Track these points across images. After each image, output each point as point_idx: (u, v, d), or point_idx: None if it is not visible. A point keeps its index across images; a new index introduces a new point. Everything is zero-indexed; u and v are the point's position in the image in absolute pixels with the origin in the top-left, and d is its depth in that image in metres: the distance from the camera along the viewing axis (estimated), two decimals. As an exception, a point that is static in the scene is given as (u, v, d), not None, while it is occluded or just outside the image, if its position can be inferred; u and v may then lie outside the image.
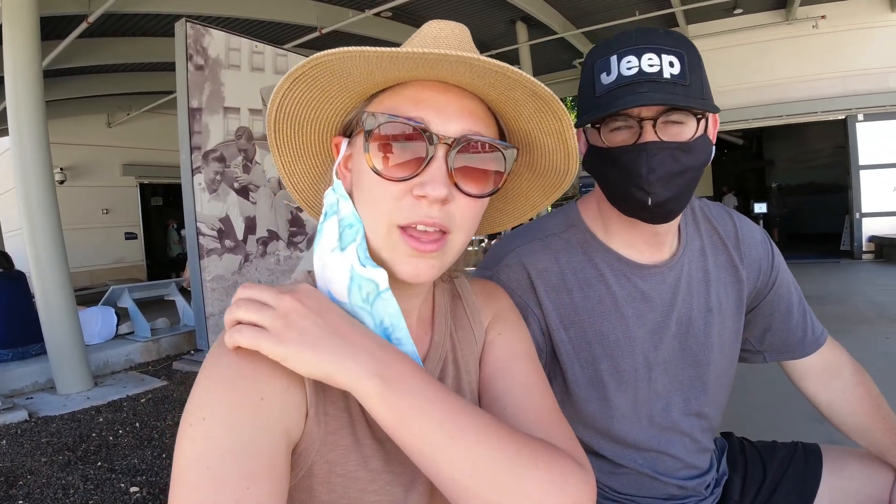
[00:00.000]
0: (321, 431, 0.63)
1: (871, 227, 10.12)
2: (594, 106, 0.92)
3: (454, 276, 0.83)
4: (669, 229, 1.04)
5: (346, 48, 0.58)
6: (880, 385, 1.24)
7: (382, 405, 0.58)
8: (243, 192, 5.24)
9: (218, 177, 4.96)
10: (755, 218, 11.10)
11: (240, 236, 5.18)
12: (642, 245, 1.04)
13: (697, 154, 0.91)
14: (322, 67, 0.63)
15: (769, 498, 1.23)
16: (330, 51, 0.60)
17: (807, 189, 14.96)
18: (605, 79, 0.91)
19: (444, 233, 0.65)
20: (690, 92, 0.88)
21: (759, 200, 11.52)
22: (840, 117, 10.37)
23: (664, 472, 1.12)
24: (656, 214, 0.94)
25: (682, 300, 1.07)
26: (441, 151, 0.63)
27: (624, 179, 0.91)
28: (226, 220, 5.00)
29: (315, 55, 0.61)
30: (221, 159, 5.03)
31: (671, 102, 0.86)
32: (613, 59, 0.90)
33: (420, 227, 0.64)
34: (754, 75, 10.19)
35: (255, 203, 5.38)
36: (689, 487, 1.14)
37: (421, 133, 0.63)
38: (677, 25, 10.11)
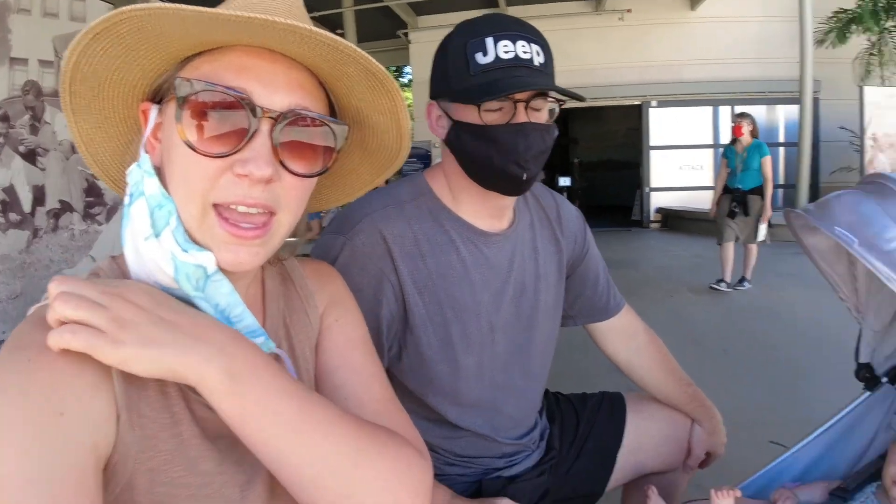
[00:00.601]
0: (137, 437, 0.56)
1: (658, 200, 11.62)
2: (473, 85, 0.95)
3: (283, 259, 0.78)
4: (513, 202, 1.13)
5: (158, 3, 0.52)
6: (664, 336, 1.45)
7: (228, 400, 0.55)
8: (30, 156, 4.51)
9: (0, 139, 4.22)
10: (560, 190, 12.15)
11: (27, 208, 4.47)
12: (487, 215, 1.10)
13: (553, 134, 1.01)
14: (129, 24, 0.54)
15: (584, 443, 1.38)
16: (139, 5, 0.52)
17: (605, 165, 16.66)
18: (482, 59, 0.95)
19: (271, 214, 0.61)
20: (552, 80, 0.99)
21: (564, 175, 12.59)
22: (636, 102, 11.67)
23: (501, 430, 1.20)
24: (522, 188, 1.02)
25: (517, 267, 1.15)
26: (265, 126, 0.58)
27: (502, 156, 0.97)
28: (10, 190, 4.28)
29: (120, 9, 0.53)
30: (5, 118, 4.27)
31: (549, 88, 0.95)
32: (489, 41, 0.95)
33: (241, 209, 0.58)
34: (564, 60, 10.95)
35: (44, 170, 4.66)
36: (521, 444, 1.25)
37: (243, 104, 0.57)
38: (498, 6, 10.57)
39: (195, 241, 0.60)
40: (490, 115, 0.96)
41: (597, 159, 16.75)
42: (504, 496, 1.13)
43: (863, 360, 1.33)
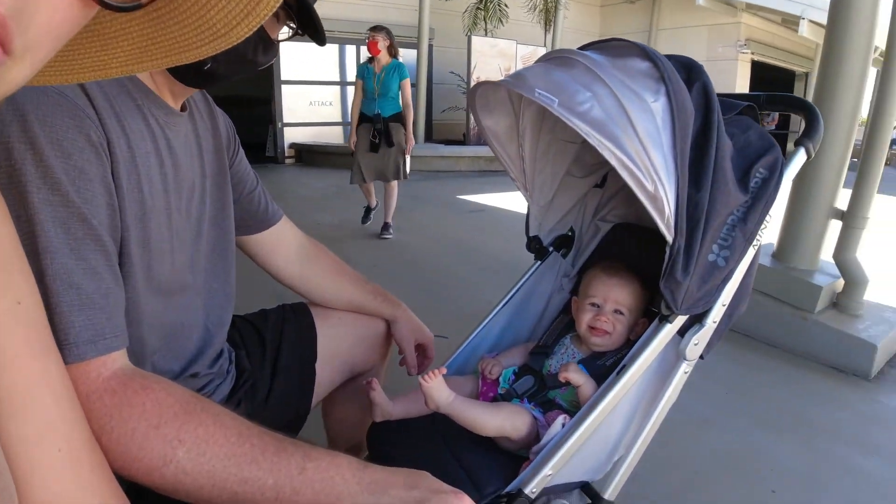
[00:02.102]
0: None
1: (291, 136, 11.57)
2: None
3: None
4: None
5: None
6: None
7: None
8: None
9: None
10: None
11: None
12: (169, 96, 0.93)
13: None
14: None
15: (276, 362, 1.23)
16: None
17: (237, 101, 15.83)
18: None
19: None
20: None
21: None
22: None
23: (189, 359, 1.01)
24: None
25: (193, 159, 0.99)
26: None
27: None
28: None
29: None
30: None
31: None
32: None
33: None
34: None
35: None
36: (211, 373, 1.07)
37: None
38: None
39: None
40: None
41: (228, 95, 15.77)
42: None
43: (532, 233, 1.46)
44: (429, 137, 10.86)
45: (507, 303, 1.43)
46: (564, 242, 1.51)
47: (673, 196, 0.96)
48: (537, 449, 1.04)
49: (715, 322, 1.10)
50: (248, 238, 1.22)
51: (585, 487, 1.17)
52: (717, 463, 2.05)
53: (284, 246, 1.27)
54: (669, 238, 0.98)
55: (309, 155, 11.21)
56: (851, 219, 3.05)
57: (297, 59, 11.47)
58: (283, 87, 11.51)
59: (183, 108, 0.96)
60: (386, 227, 5.12)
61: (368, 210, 5.31)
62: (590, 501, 1.15)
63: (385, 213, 5.15)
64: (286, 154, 11.62)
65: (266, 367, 1.21)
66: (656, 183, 0.93)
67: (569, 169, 1.42)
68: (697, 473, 1.97)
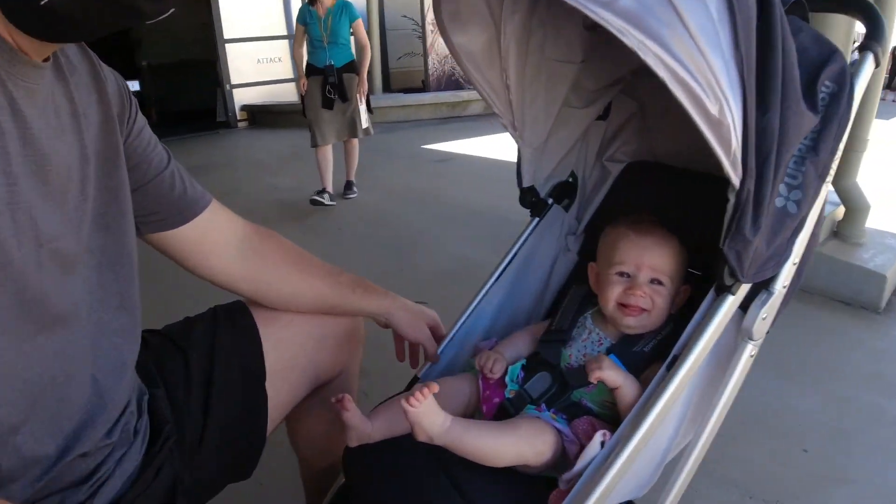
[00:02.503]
0: None
1: (241, 97, 10.90)
2: None
3: None
4: None
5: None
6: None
7: None
8: None
9: None
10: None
11: None
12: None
13: None
14: None
15: (210, 375, 0.92)
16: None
17: (180, 66, 14.88)
18: None
19: None
20: None
21: (131, 79, 10.81)
22: (201, -9, 10.44)
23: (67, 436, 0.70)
24: None
25: (64, 134, 0.68)
26: None
27: None
28: None
29: None
30: None
31: None
32: None
33: None
34: None
35: None
36: (107, 444, 0.75)
37: None
38: None
39: None
40: None
41: (169, 61, 14.75)
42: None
43: (526, 184, 1.16)
44: (387, 88, 10.29)
45: (502, 273, 1.15)
46: (565, 192, 1.22)
47: (740, 120, 0.66)
48: (570, 477, 0.77)
49: (785, 287, 0.83)
50: (163, 236, 0.88)
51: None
52: (741, 420, 1.84)
53: (218, 240, 0.94)
54: (736, 180, 0.69)
55: (262, 116, 10.59)
56: (851, 141, 2.82)
57: (238, 15, 10.74)
58: (227, 46, 10.78)
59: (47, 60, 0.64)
60: (349, 185, 4.61)
61: (322, 192, 4.42)
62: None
63: (347, 170, 4.60)
64: (238, 118, 10.97)
65: (195, 398, 0.91)
66: (721, 102, 0.64)
67: (566, 98, 1.12)
68: (721, 435, 1.76)
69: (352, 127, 4.37)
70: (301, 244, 1.04)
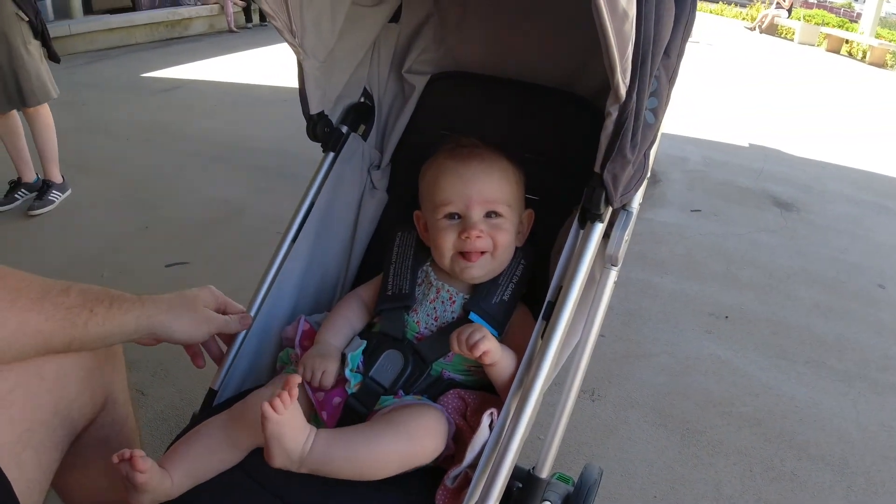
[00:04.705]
0: None
1: None
2: None
3: None
4: None
5: None
6: None
7: None
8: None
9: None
10: None
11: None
12: None
13: None
14: None
15: None
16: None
17: None
18: None
19: None
20: None
21: None
22: None
23: None
24: None
25: None
26: None
27: None
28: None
29: None
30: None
31: None
32: None
33: None
34: None
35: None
36: None
37: None
38: None
39: None
40: None
41: None
42: None
43: (314, 109, 0.91)
44: (88, 10, 8.42)
45: (299, 230, 0.90)
46: (361, 116, 0.99)
47: (634, 13, 0.52)
48: (459, 472, 0.62)
49: (640, 204, 0.74)
50: None
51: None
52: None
53: None
54: (623, 89, 0.56)
55: None
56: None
57: None
58: None
59: None
60: (46, 188, 2.72)
61: (17, 185, 2.76)
62: (520, 485, 0.77)
63: (43, 163, 2.73)
64: None
65: None
66: None
67: (352, -7, 0.87)
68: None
69: (14, 88, 2.51)
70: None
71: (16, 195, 2.73)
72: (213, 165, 3.23)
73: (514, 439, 0.61)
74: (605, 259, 0.72)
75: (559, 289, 0.66)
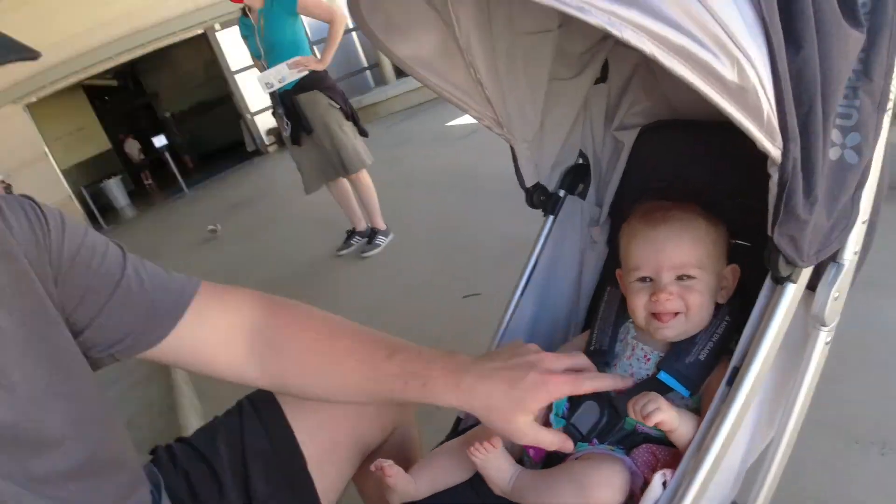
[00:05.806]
0: None
1: (264, 123, 10.98)
2: None
3: None
4: None
5: None
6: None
7: None
8: None
9: None
10: (160, 151, 10.85)
11: None
12: None
13: None
14: None
15: (247, 482, 0.85)
16: None
17: (198, 109, 15.22)
18: None
19: None
20: None
21: (157, 134, 11.12)
22: (200, 31, 10.53)
23: None
24: None
25: None
26: None
27: None
28: None
29: None
30: None
31: None
32: None
33: None
34: (103, 10, 9.20)
35: None
36: None
37: None
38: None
39: None
40: None
41: (188, 106, 15.16)
42: None
43: (529, 183, 1.02)
44: (400, 74, 10.06)
45: (528, 282, 1.02)
46: (578, 177, 1.07)
47: (769, 75, 0.50)
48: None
49: (856, 253, 0.67)
50: (144, 355, 0.77)
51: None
52: (834, 348, 1.63)
53: (217, 341, 0.81)
54: (776, 152, 0.54)
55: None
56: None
57: (237, 44, 10.77)
58: (237, 77, 10.88)
59: None
60: (373, 234, 3.49)
61: (352, 233, 3.64)
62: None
63: (369, 215, 3.50)
64: (266, 143, 11.12)
65: (232, 499, 0.84)
66: (740, 61, 0.48)
67: (552, 71, 0.96)
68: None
69: (340, 162, 3.19)
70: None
71: (351, 241, 3.66)
72: (510, 200, 3.56)
73: (685, 501, 0.62)
74: (811, 318, 0.67)
75: (744, 354, 0.64)
